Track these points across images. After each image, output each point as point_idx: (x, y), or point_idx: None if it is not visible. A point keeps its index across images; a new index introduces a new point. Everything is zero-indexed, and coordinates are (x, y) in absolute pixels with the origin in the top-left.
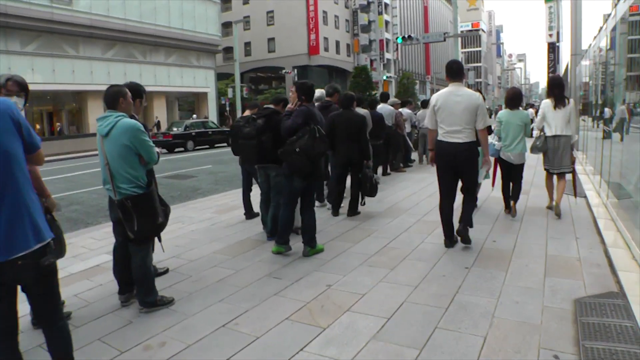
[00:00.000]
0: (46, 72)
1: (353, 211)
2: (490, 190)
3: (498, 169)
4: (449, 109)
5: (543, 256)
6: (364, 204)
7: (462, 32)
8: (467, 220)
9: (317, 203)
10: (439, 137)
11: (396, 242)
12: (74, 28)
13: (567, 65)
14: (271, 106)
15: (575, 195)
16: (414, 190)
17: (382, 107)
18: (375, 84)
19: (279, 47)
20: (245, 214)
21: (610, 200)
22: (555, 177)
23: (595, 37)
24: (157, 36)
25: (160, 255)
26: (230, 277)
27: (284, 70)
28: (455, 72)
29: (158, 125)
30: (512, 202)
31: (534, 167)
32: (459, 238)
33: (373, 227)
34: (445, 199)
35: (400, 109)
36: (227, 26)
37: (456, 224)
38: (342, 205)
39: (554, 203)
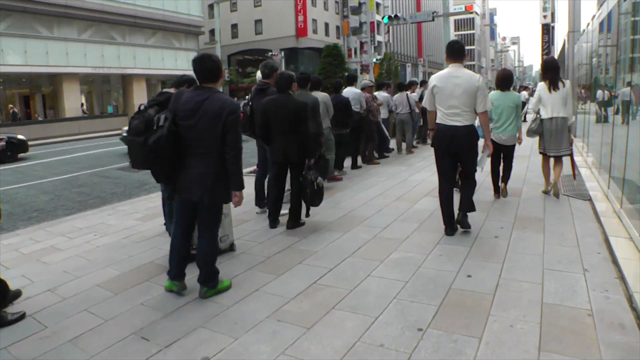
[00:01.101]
0: (17, 54)
1: (293, 222)
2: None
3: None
4: (448, 91)
5: (537, 305)
6: (308, 214)
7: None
8: (467, 207)
9: (257, 209)
10: (438, 120)
11: (332, 275)
12: (47, 7)
13: (563, 43)
14: (171, 90)
15: (574, 177)
16: (381, 190)
17: (348, 91)
18: (366, 67)
19: (266, 29)
20: (165, 223)
21: (625, 207)
22: (552, 160)
23: (593, 17)
24: (136, 17)
25: (32, 288)
26: (90, 333)
27: (270, 53)
28: (456, 52)
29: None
30: (502, 184)
31: (527, 158)
32: (458, 225)
33: (312, 246)
34: (444, 183)
35: (376, 92)
36: (213, 7)
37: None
38: (282, 213)
39: (550, 188)
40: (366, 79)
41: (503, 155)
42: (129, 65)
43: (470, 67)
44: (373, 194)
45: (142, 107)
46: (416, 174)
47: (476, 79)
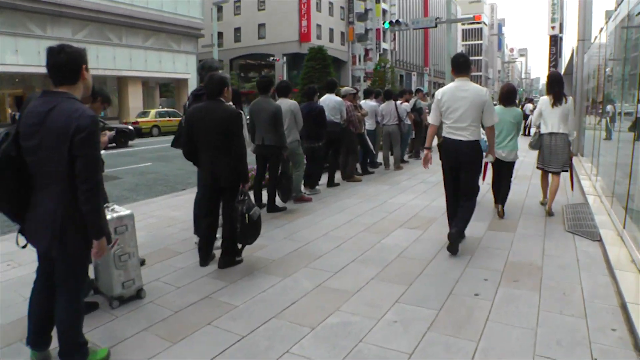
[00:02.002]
0: (8, 53)
1: (226, 260)
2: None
3: (489, 165)
4: (455, 105)
5: None
6: (239, 254)
7: (463, 24)
8: (460, 226)
9: (195, 238)
10: (444, 134)
11: (240, 347)
12: (40, 5)
13: (571, 54)
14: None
15: (572, 189)
16: (350, 216)
17: (326, 99)
18: (370, 74)
19: (269, 33)
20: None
21: None
22: (550, 176)
23: (601, 30)
24: (133, 17)
25: None
26: None
27: (271, 58)
28: (461, 65)
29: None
30: (499, 207)
31: (528, 179)
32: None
33: (235, 297)
34: (451, 198)
35: (363, 101)
36: (218, 10)
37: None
38: (217, 246)
39: (547, 199)
40: (369, 87)
41: (502, 172)
42: (125, 67)
43: (477, 78)
44: (339, 222)
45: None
46: (398, 195)
47: (483, 93)
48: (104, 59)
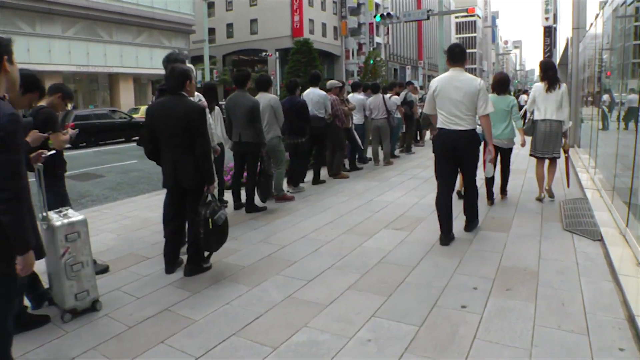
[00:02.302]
0: None
1: (192, 267)
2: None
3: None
4: (449, 95)
5: None
6: (207, 260)
7: (457, 17)
8: (472, 217)
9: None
10: (439, 125)
11: None
12: (29, 2)
13: (566, 43)
14: None
15: (568, 185)
16: (333, 216)
17: (310, 92)
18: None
19: (261, 28)
20: None
21: None
22: (546, 163)
23: (597, 16)
24: (123, 14)
25: None
26: None
27: (264, 53)
28: (457, 55)
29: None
30: (501, 195)
31: (523, 173)
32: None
33: (196, 311)
34: (443, 189)
35: (350, 95)
36: (210, 6)
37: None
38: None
39: (543, 195)
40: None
41: (500, 159)
42: (116, 64)
43: (472, 71)
44: (321, 222)
45: None
46: (386, 192)
47: (477, 83)
48: (95, 56)
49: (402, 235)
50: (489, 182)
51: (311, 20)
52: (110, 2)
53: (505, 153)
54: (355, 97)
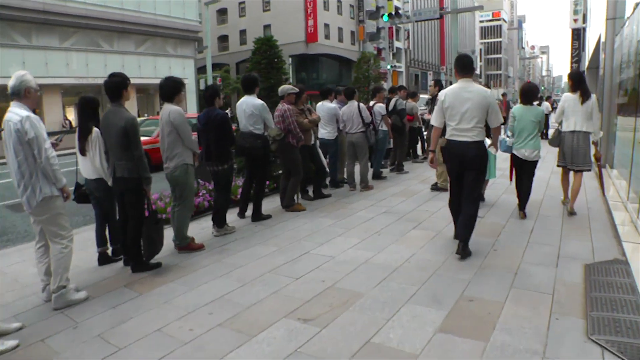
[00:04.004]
0: None
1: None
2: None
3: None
4: (458, 106)
5: None
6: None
7: (481, 21)
8: (465, 235)
9: None
10: (447, 136)
11: None
12: (23, 14)
13: (598, 39)
14: None
15: (604, 193)
16: (229, 287)
17: (241, 103)
18: (384, 75)
19: (275, 34)
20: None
21: None
22: (571, 174)
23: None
24: (124, 22)
25: None
26: None
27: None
28: (466, 66)
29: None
30: (520, 213)
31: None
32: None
33: None
34: (456, 197)
35: (320, 103)
36: (223, 13)
37: None
38: None
39: (567, 201)
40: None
41: (524, 171)
42: None
43: (497, 77)
44: (202, 300)
45: None
46: (335, 239)
47: (488, 94)
48: (95, 67)
49: (304, 338)
50: (519, 190)
51: (326, 25)
52: (110, 10)
53: (527, 166)
54: (324, 106)
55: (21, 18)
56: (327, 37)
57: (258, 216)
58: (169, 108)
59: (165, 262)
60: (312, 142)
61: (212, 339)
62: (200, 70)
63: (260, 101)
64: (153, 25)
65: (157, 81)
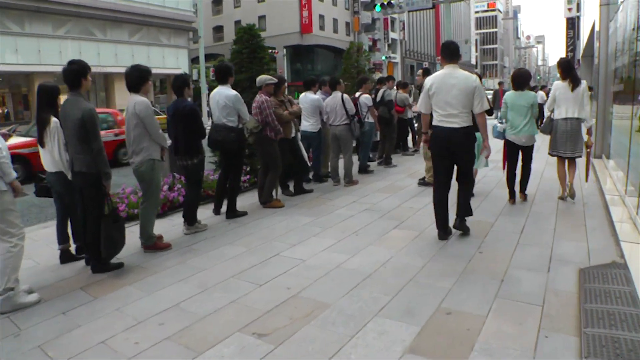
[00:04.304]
0: None
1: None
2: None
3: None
4: (444, 93)
5: None
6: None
7: (477, 11)
8: (464, 211)
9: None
10: (434, 122)
11: None
12: (17, 1)
13: (592, 26)
14: None
15: (587, 179)
16: (184, 294)
17: (214, 94)
18: (378, 65)
19: (270, 25)
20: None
21: None
22: (566, 162)
23: None
24: (118, 11)
25: None
26: None
27: (270, 51)
28: (452, 52)
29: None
30: (520, 194)
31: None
32: (452, 229)
33: None
34: (440, 187)
35: (303, 94)
36: (218, 3)
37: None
38: None
39: (565, 194)
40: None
41: (521, 157)
42: (110, 63)
43: (493, 67)
44: (155, 309)
45: None
46: (309, 240)
47: (472, 80)
48: (88, 56)
49: (255, 357)
50: (510, 180)
51: (321, 16)
52: None
53: (525, 151)
54: (307, 97)
55: (14, 5)
56: (321, 28)
57: (233, 213)
58: (134, 99)
59: (129, 261)
60: (293, 134)
61: (156, 355)
62: (195, 60)
63: (233, 92)
64: (146, 15)
65: (152, 71)
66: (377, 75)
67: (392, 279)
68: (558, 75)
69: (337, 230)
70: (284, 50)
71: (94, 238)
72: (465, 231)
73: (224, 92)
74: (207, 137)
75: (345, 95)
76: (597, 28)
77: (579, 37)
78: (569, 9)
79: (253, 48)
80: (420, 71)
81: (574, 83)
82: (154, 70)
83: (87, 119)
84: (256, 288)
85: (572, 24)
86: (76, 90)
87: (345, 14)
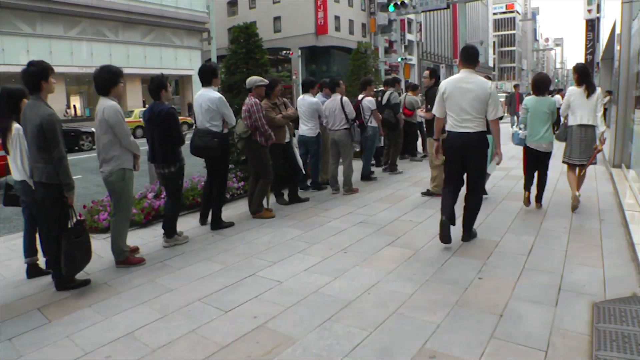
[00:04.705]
0: None
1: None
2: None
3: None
4: (459, 97)
5: None
6: None
7: (495, 13)
8: (470, 225)
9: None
10: (448, 127)
11: None
12: (28, 2)
13: (612, 26)
14: None
15: (578, 188)
16: (139, 322)
17: (198, 97)
18: (395, 67)
19: (285, 26)
20: None
21: None
22: (577, 169)
23: None
24: (131, 12)
25: None
26: None
27: (284, 52)
28: (471, 57)
29: None
30: (536, 204)
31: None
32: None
33: None
34: (449, 187)
35: (300, 97)
36: (233, 4)
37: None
38: None
39: (578, 193)
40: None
41: (538, 162)
42: (122, 64)
43: (511, 70)
44: (106, 337)
45: None
46: (292, 257)
47: (488, 86)
48: (99, 56)
49: None
50: (528, 185)
51: (337, 17)
52: (116, 0)
53: (543, 158)
54: (305, 100)
55: (25, 6)
56: (337, 29)
57: (218, 224)
58: (103, 104)
59: (98, 278)
60: (287, 139)
61: None
62: (208, 62)
63: (217, 94)
64: (159, 16)
65: (163, 72)
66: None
67: (374, 309)
68: (573, 79)
69: (324, 246)
70: (299, 51)
71: (55, 254)
72: (472, 238)
73: (208, 95)
74: (190, 142)
75: (345, 98)
76: (617, 28)
77: (598, 40)
78: (589, 11)
79: (250, 48)
80: (426, 72)
81: (589, 90)
82: (167, 72)
83: (45, 125)
84: (220, 315)
85: (592, 26)
86: (36, 94)
87: (362, 15)
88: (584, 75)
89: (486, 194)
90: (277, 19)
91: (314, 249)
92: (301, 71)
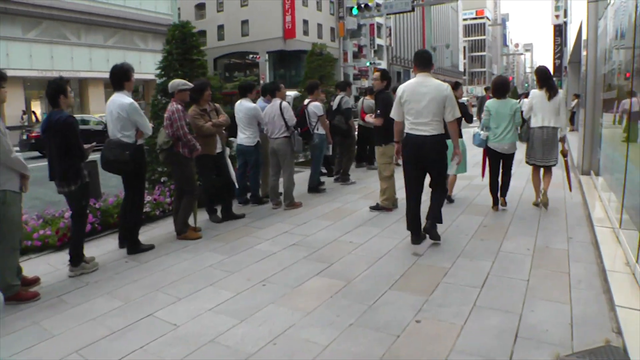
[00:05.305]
0: None
1: None
2: (480, 181)
3: (487, 160)
4: (416, 101)
5: None
6: None
7: (464, 19)
8: (435, 217)
9: None
10: (407, 130)
11: None
12: None
13: (579, 28)
14: None
15: (570, 189)
16: None
17: (109, 103)
18: (364, 72)
19: (252, 30)
20: None
21: None
22: (542, 170)
23: None
24: (92, 14)
25: None
26: None
27: (251, 56)
28: (426, 61)
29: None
30: (501, 198)
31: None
32: (427, 235)
33: None
34: (412, 194)
35: (238, 102)
36: (201, 7)
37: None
38: None
39: (539, 200)
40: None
41: (502, 164)
42: (84, 67)
43: (481, 74)
44: None
45: None
46: (201, 291)
47: (444, 88)
48: (60, 60)
49: None
50: (493, 188)
51: (305, 21)
52: (77, 1)
53: (506, 159)
54: (242, 105)
55: None
56: (305, 33)
57: (135, 247)
58: None
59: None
60: (219, 150)
61: None
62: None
63: (128, 100)
64: (122, 18)
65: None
66: (364, 82)
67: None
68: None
69: (243, 276)
70: (267, 55)
71: None
72: (436, 239)
73: (119, 101)
74: (100, 155)
75: (284, 103)
76: (584, 31)
77: (566, 44)
78: (557, 16)
79: (186, 48)
80: (377, 73)
81: (551, 92)
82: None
83: None
84: None
85: (560, 31)
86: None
87: (330, 19)
88: (544, 78)
89: (452, 201)
90: (244, 22)
91: (230, 280)
92: (269, 75)
